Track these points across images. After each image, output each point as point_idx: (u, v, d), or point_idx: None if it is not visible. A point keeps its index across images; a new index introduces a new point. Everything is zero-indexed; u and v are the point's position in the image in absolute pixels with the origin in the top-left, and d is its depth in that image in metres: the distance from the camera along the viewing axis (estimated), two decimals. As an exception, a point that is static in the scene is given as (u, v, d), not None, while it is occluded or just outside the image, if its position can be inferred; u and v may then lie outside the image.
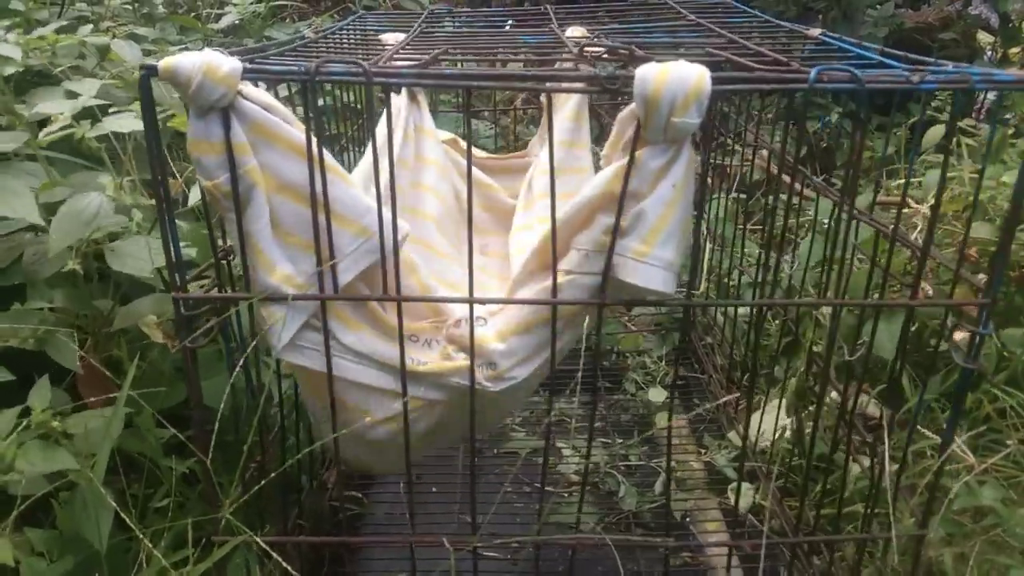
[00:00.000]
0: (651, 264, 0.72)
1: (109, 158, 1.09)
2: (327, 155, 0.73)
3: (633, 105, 0.68)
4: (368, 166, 0.96)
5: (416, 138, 1.07)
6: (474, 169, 1.16)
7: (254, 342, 0.80)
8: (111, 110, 1.11)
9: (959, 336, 0.78)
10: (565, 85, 0.74)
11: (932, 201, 1.58)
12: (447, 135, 1.18)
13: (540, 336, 0.83)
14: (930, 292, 1.23)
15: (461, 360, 0.82)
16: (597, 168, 1.14)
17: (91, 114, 1.09)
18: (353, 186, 0.76)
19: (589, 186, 0.75)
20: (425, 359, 0.84)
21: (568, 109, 1.10)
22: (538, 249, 0.82)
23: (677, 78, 0.64)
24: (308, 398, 0.91)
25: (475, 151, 1.24)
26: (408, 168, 1.05)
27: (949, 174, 1.66)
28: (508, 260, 1.11)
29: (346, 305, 0.80)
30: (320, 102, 1.21)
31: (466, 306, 0.86)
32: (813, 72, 0.65)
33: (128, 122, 1.06)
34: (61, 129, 1.05)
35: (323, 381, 0.81)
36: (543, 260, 0.81)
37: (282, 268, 0.75)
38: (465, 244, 1.10)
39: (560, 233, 0.78)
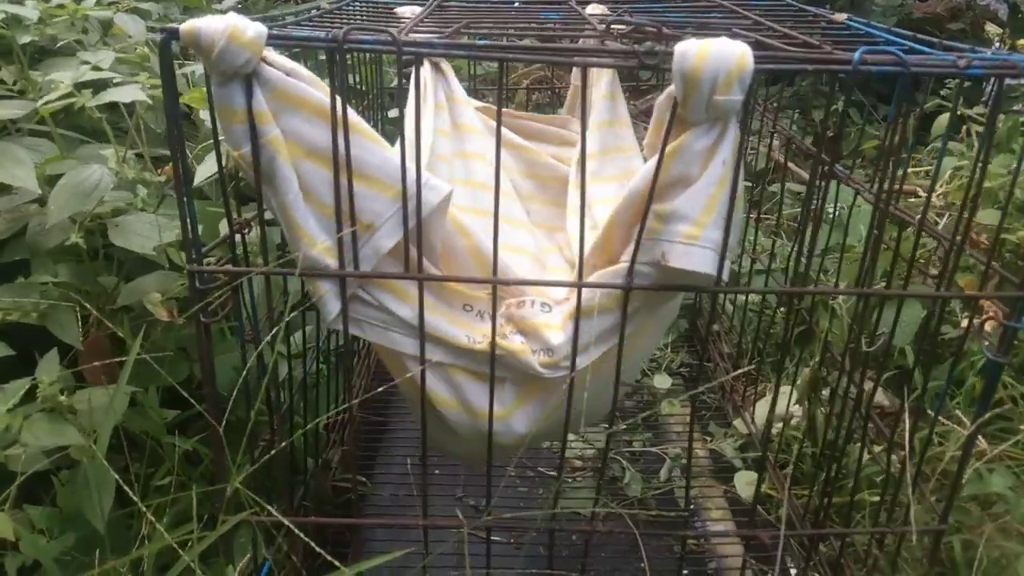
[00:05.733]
0: (703, 246, 0.70)
1: (113, 131, 1.06)
2: (358, 118, 0.70)
3: (671, 88, 0.65)
4: (407, 139, 0.93)
5: (450, 107, 1.04)
6: (512, 135, 1.13)
7: (275, 322, 0.77)
8: (115, 81, 1.08)
9: (988, 327, 0.77)
10: (601, 60, 0.71)
11: (941, 189, 1.58)
12: (479, 103, 1.14)
13: (600, 325, 0.79)
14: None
15: (517, 343, 0.80)
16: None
17: (96, 86, 1.06)
18: (388, 150, 0.73)
19: (639, 177, 0.73)
20: (479, 337, 0.81)
21: (603, 87, 1.07)
22: (597, 245, 0.80)
23: (719, 54, 0.62)
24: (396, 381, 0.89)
25: (510, 109, 1.20)
26: (448, 136, 1.01)
27: (960, 162, 1.65)
28: (556, 232, 1.07)
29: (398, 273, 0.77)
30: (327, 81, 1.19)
31: (533, 285, 0.84)
32: (857, 54, 0.63)
33: (130, 91, 1.03)
34: (61, 98, 1.02)
35: (394, 356, 0.79)
36: (607, 253, 0.79)
37: (322, 240, 0.72)
38: (515, 208, 1.07)
39: (619, 223, 0.76)
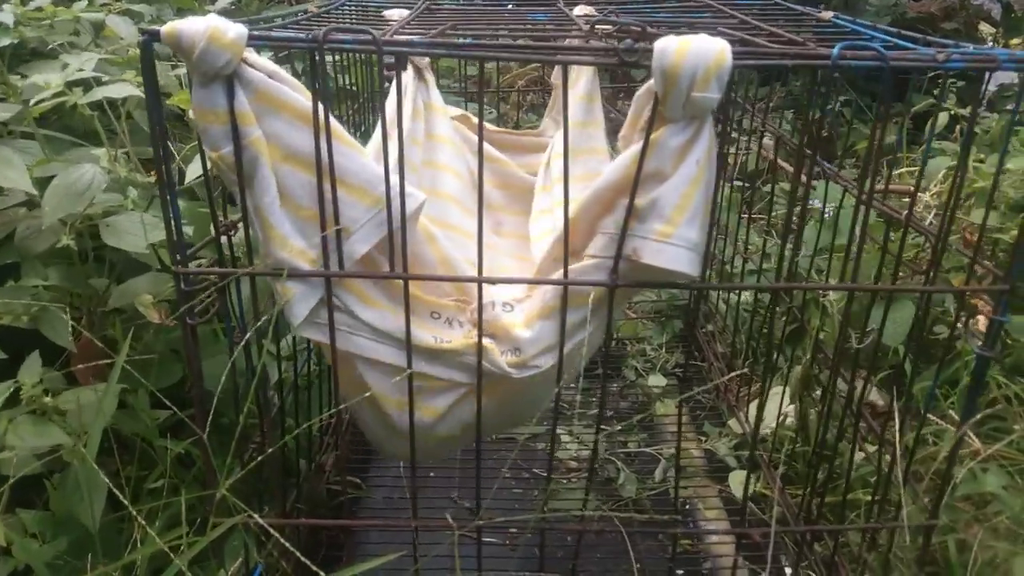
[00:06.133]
0: (676, 244, 0.70)
1: (104, 131, 1.06)
2: (337, 124, 0.71)
3: (651, 82, 0.66)
4: (378, 143, 0.93)
5: (426, 115, 1.04)
6: (487, 146, 1.13)
7: (267, 320, 0.78)
8: (104, 79, 1.08)
9: (977, 326, 0.77)
10: (581, 58, 0.72)
11: (935, 189, 1.59)
12: (457, 111, 1.15)
13: (568, 322, 0.79)
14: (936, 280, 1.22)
15: (487, 343, 0.79)
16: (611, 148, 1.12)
17: (85, 85, 1.07)
18: (365, 156, 0.73)
19: (610, 169, 0.73)
20: (448, 338, 0.81)
21: (580, 88, 1.08)
22: (560, 238, 0.79)
23: (698, 51, 0.62)
24: (339, 381, 0.89)
25: (487, 125, 1.20)
26: (420, 146, 1.01)
27: (952, 162, 1.65)
28: (525, 241, 1.08)
29: (365, 280, 0.77)
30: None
31: (492, 289, 0.83)
32: (836, 49, 0.63)
33: (121, 88, 1.03)
34: (53, 96, 1.02)
35: (344, 360, 0.79)
36: (569, 246, 0.79)
37: (294, 242, 0.72)
38: (485, 224, 1.08)
39: (583, 217, 0.75)
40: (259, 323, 0.78)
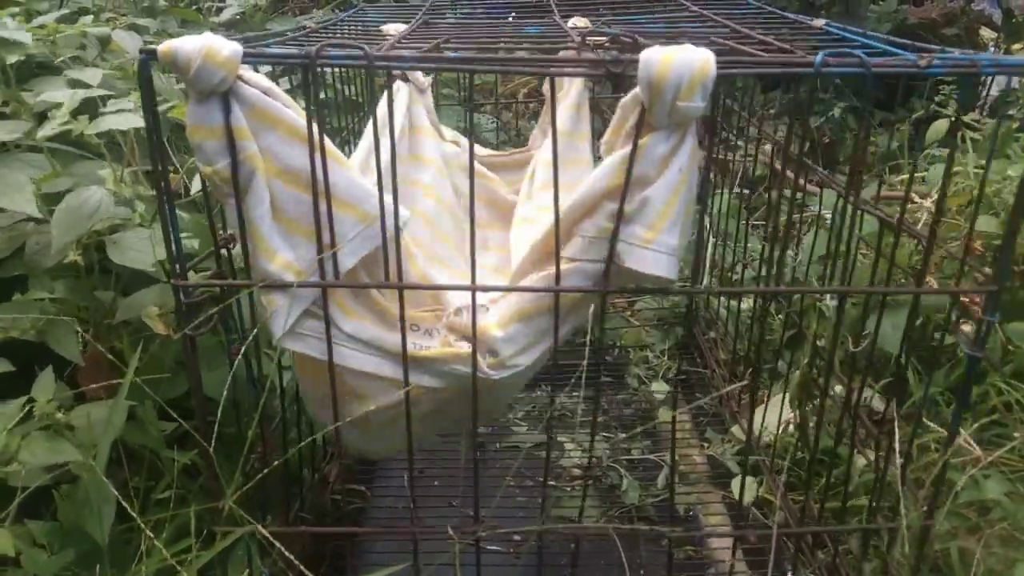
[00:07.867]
0: (656, 250, 0.72)
1: (109, 150, 1.09)
2: (327, 141, 0.73)
3: (637, 90, 0.67)
4: (364, 154, 0.95)
5: (412, 137, 1.07)
6: (476, 164, 1.15)
7: (254, 332, 0.79)
8: (110, 101, 1.10)
9: (966, 328, 0.78)
10: (569, 69, 0.73)
11: (936, 195, 1.59)
12: (452, 135, 1.18)
13: (542, 324, 0.82)
14: (934, 285, 1.23)
15: (463, 347, 0.82)
16: (596, 160, 1.14)
17: (92, 104, 1.09)
18: (354, 171, 0.75)
19: (595, 175, 0.74)
20: (431, 344, 0.83)
21: (569, 100, 1.10)
22: (542, 239, 0.81)
23: (682, 62, 0.63)
24: (306, 386, 0.91)
25: (477, 149, 1.23)
26: (403, 163, 1.04)
27: (954, 168, 1.65)
28: (508, 254, 1.10)
29: (346, 293, 0.79)
30: (321, 95, 1.21)
31: (464, 294, 0.85)
32: (819, 56, 0.64)
33: (127, 118, 1.05)
34: (60, 125, 1.04)
35: (324, 369, 0.81)
36: (547, 249, 0.80)
37: (283, 255, 0.74)
38: (466, 242, 1.10)
39: (565, 222, 0.77)
40: (256, 335, 0.79)
